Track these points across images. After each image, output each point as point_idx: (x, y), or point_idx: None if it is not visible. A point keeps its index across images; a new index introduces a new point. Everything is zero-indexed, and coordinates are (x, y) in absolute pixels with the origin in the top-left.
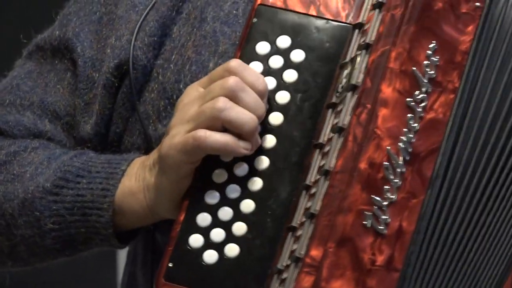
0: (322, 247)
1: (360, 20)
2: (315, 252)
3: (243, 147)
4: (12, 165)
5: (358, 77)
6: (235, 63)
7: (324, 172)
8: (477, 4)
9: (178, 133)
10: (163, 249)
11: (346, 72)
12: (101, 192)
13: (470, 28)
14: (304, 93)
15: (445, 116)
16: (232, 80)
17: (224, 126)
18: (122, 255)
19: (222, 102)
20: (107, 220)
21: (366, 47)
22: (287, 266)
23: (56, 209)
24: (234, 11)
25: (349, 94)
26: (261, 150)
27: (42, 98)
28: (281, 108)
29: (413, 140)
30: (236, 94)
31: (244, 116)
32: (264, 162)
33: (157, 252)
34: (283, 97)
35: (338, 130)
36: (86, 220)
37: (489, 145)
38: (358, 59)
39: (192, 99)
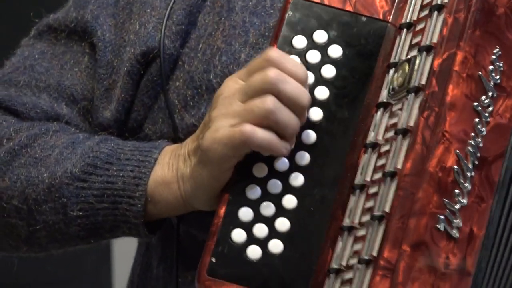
0: (396, 250)
1: (405, 19)
2: (389, 255)
3: (284, 147)
4: (33, 149)
5: (420, 79)
6: (274, 53)
7: (391, 174)
8: None
9: (222, 127)
10: (188, 243)
11: (400, 72)
12: (133, 180)
13: None
14: (343, 89)
15: (510, 121)
16: (272, 72)
17: (269, 126)
18: (118, 256)
19: (272, 103)
20: (139, 209)
21: (427, 49)
22: (350, 267)
23: (84, 196)
24: (263, 2)
25: (411, 96)
26: (301, 145)
27: (58, 80)
28: (321, 104)
29: (481, 145)
30: (277, 87)
31: (290, 119)
32: (305, 157)
33: (182, 245)
34: (322, 92)
35: (402, 132)
36: (116, 208)
37: None
38: (418, 60)
39: (232, 92)
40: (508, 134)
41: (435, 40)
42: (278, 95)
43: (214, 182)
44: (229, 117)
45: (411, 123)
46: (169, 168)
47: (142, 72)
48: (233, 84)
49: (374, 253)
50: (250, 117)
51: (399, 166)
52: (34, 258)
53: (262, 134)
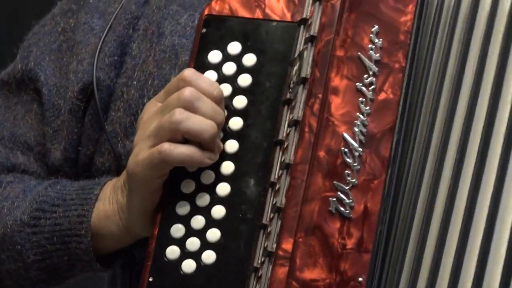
0: (292, 239)
1: (303, 16)
2: (286, 245)
3: (207, 157)
4: None
5: (307, 70)
6: (188, 72)
7: (285, 166)
8: None
9: (142, 150)
10: (142, 265)
11: (296, 67)
12: (77, 219)
13: (410, 8)
14: (260, 95)
15: (395, 95)
16: (187, 91)
17: (185, 137)
18: None
19: (179, 114)
20: (86, 246)
21: (311, 39)
22: (262, 263)
23: (36, 241)
24: (191, 23)
25: (300, 88)
26: (225, 156)
27: (12, 131)
28: (240, 113)
29: (367, 123)
30: (192, 105)
31: (202, 124)
32: (229, 167)
33: (136, 269)
34: (240, 101)
35: (293, 123)
36: (67, 248)
37: (440, 120)
38: (305, 52)
39: (151, 115)
40: (395, 109)
41: (317, 30)
42: (193, 112)
43: (145, 204)
44: (146, 139)
45: (300, 114)
46: (110, 201)
47: (83, 108)
48: (152, 107)
49: (274, 246)
50: (163, 133)
51: (292, 158)
52: None
53: (180, 150)
